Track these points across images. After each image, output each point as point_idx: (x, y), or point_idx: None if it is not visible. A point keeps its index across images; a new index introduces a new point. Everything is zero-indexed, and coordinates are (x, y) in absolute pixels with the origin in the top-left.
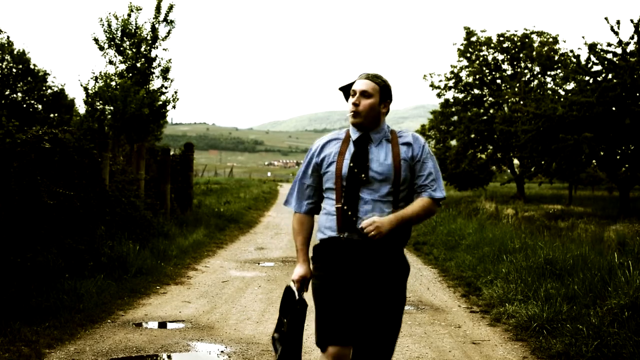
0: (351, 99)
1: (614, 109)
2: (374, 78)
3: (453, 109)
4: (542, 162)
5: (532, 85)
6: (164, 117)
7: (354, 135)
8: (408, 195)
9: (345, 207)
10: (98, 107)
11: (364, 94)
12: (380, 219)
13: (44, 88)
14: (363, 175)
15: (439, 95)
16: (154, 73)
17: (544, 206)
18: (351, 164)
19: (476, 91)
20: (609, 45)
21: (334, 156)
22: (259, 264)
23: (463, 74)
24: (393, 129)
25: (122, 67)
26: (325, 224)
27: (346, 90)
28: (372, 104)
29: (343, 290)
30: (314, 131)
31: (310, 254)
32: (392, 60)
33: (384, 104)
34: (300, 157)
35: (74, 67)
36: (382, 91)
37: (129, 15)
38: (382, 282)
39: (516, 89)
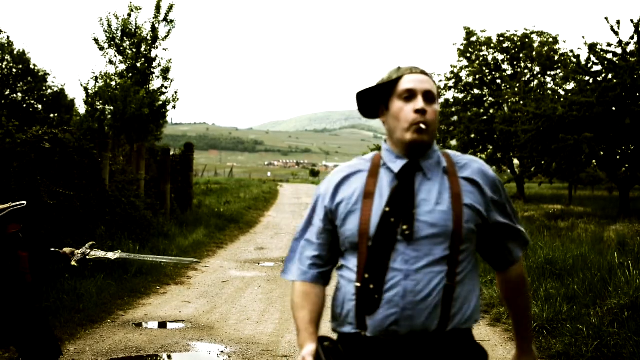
0: (410, 105)
1: (614, 109)
2: (428, 74)
3: (453, 109)
4: (542, 162)
5: (532, 85)
6: (164, 117)
7: (395, 164)
8: (468, 259)
9: (367, 278)
10: (98, 107)
11: (429, 96)
12: None
13: (44, 88)
14: (406, 228)
15: (439, 95)
16: (154, 73)
17: (544, 206)
18: (387, 209)
19: (476, 91)
20: (609, 45)
21: (357, 201)
22: (259, 264)
23: (463, 74)
24: (445, 151)
25: (122, 67)
26: (338, 313)
27: (379, 93)
28: (437, 113)
29: None
30: (314, 131)
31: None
32: (392, 60)
33: None
34: (301, 157)
35: (74, 68)
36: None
37: (129, 15)
38: None
39: (516, 89)
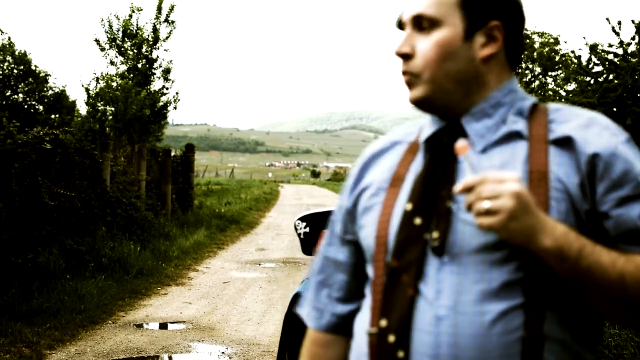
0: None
1: (615, 109)
2: None
3: None
4: None
5: (533, 86)
6: (165, 118)
7: (428, 130)
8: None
9: (385, 326)
10: (99, 108)
11: (418, 22)
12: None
13: (45, 89)
14: (436, 237)
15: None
16: (155, 74)
17: None
18: (408, 206)
19: None
20: (610, 45)
21: (378, 191)
22: (259, 265)
23: None
24: (544, 105)
25: (123, 68)
26: None
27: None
28: (443, 44)
29: None
30: (315, 132)
31: None
32: (392, 60)
33: (488, 37)
34: (302, 157)
35: (76, 69)
36: (470, 4)
37: (131, 15)
38: None
39: None
